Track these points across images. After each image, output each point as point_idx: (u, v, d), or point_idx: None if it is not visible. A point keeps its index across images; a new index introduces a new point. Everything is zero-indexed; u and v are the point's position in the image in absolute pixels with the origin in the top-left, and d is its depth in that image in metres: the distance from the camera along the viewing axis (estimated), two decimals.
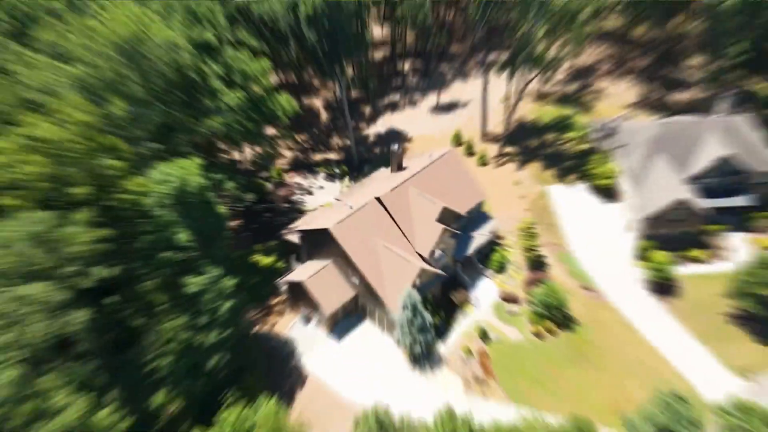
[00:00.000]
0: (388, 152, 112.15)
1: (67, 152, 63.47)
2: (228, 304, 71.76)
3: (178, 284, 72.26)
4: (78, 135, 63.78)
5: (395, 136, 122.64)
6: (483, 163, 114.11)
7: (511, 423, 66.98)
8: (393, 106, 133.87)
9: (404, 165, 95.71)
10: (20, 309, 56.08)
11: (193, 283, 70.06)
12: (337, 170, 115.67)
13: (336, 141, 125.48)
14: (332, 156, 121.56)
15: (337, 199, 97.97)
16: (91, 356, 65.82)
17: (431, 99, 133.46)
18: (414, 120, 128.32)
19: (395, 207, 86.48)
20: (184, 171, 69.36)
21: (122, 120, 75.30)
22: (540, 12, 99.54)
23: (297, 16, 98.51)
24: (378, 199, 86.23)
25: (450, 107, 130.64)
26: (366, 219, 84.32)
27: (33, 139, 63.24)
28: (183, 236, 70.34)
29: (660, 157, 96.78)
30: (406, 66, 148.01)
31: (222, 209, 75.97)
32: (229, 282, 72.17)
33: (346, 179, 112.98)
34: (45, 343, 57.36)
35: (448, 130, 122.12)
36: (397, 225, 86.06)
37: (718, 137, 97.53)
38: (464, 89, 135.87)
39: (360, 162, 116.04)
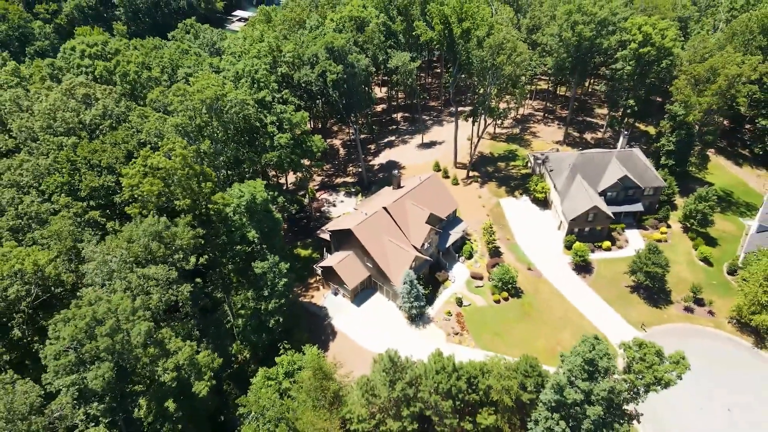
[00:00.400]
0: (389, 176, 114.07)
1: (172, 176, 65.39)
2: (283, 281, 73.09)
3: (248, 267, 74.09)
4: (180, 164, 65.72)
5: (393, 165, 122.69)
6: (455, 183, 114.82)
7: (481, 361, 69.30)
8: (390, 144, 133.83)
9: (402, 184, 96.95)
10: (146, 283, 58.01)
11: (259, 266, 71.60)
12: (352, 189, 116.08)
13: (351, 169, 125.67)
14: (349, 179, 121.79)
15: (355, 209, 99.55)
16: (189, 317, 67.69)
17: (417, 139, 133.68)
18: (405, 154, 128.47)
19: (397, 213, 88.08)
20: (252, 189, 71.33)
21: (208, 154, 77.33)
22: (493, 78, 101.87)
23: (325, 82, 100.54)
24: (385, 208, 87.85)
25: (431, 144, 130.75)
26: (376, 222, 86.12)
27: (149, 167, 65.23)
28: (251, 234, 72.02)
29: (579, 177, 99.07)
30: (399, 116, 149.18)
31: (278, 215, 77.49)
32: (284, 266, 73.68)
33: (360, 195, 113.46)
34: (161, 307, 59.35)
35: (430, 160, 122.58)
36: (398, 226, 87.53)
37: (619, 163, 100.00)
38: (440, 132, 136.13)
39: (369, 183, 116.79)
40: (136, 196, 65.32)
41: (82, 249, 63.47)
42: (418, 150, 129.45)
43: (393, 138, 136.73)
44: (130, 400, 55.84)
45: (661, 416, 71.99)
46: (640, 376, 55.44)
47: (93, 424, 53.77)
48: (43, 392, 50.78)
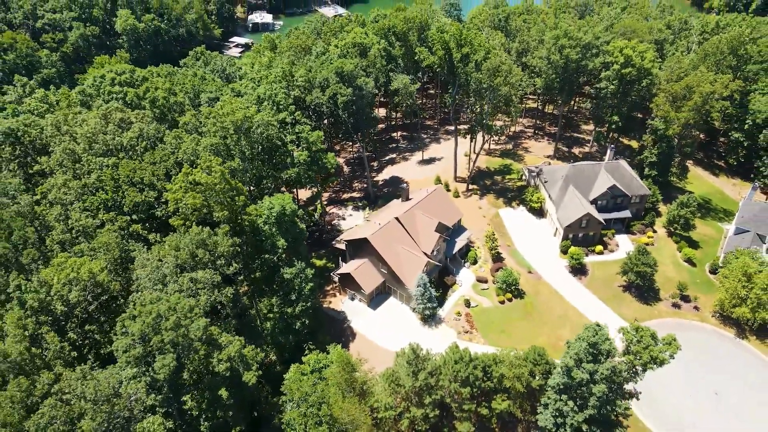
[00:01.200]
0: (394, 190, 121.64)
1: (211, 190, 72.01)
2: (309, 285, 79.48)
3: (274, 275, 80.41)
4: (219, 179, 72.39)
5: (396, 180, 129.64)
6: (456, 195, 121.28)
7: (493, 353, 76.21)
8: (392, 161, 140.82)
9: (410, 197, 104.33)
10: (194, 286, 64.27)
11: (288, 272, 78.06)
12: (360, 203, 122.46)
13: (356, 185, 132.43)
14: (355, 194, 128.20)
15: (367, 219, 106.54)
16: (230, 318, 73.71)
17: (417, 156, 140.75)
18: (407, 170, 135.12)
19: (408, 223, 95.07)
20: (282, 201, 78.14)
21: (238, 171, 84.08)
22: (490, 97, 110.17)
23: (336, 103, 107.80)
24: (397, 218, 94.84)
25: (430, 161, 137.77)
26: (390, 231, 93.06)
27: (191, 183, 71.91)
28: (281, 242, 78.51)
29: (572, 187, 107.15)
30: (398, 134, 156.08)
31: (302, 225, 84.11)
32: (310, 271, 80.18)
33: (367, 209, 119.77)
34: (207, 308, 65.47)
35: (431, 175, 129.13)
36: (410, 234, 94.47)
37: (607, 174, 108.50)
38: (438, 149, 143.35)
39: (375, 197, 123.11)
40: (179, 209, 71.74)
41: (134, 257, 69.52)
42: (419, 166, 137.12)
43: (394, 155, 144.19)
44: (184, 390, 61.58)
45: (656, 398, 79.30)
46: (638, 357, 62.72)
47: (150, 413, 59.49)
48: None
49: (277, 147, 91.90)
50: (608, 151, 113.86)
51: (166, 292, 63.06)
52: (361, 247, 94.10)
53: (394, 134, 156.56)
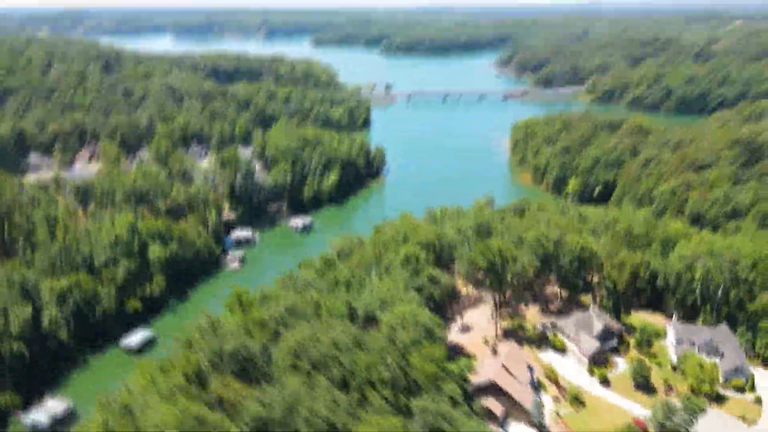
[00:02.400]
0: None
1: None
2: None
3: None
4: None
5: (452, 345, 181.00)
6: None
7: None
8: None
9: (497, 351, 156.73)
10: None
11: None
12: None
13: None
14: None
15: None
16: None
17: (454, 327, 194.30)
18: (454, 337, 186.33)
19: (509, 366, 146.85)
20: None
21: None
22: (516, 280, 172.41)
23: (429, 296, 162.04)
24: (503, 365, 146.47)
25: (466, 329, 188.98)
26: (503, 374, 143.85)
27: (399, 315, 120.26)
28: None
29: (582, 331, 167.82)
30: None
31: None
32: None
33: None
34: None
35: (475, 338, 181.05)
36: (512, 374, 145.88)
37: (597, 319, 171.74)
38: (467, 320, 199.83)
39: None
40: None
41: None
42: (460, 333, 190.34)
43: None
44: None
45: None
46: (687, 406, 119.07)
47: None
48: None
49: None
50: (591, 305, 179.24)
51: None
52: (485, 389, 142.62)
53: None
